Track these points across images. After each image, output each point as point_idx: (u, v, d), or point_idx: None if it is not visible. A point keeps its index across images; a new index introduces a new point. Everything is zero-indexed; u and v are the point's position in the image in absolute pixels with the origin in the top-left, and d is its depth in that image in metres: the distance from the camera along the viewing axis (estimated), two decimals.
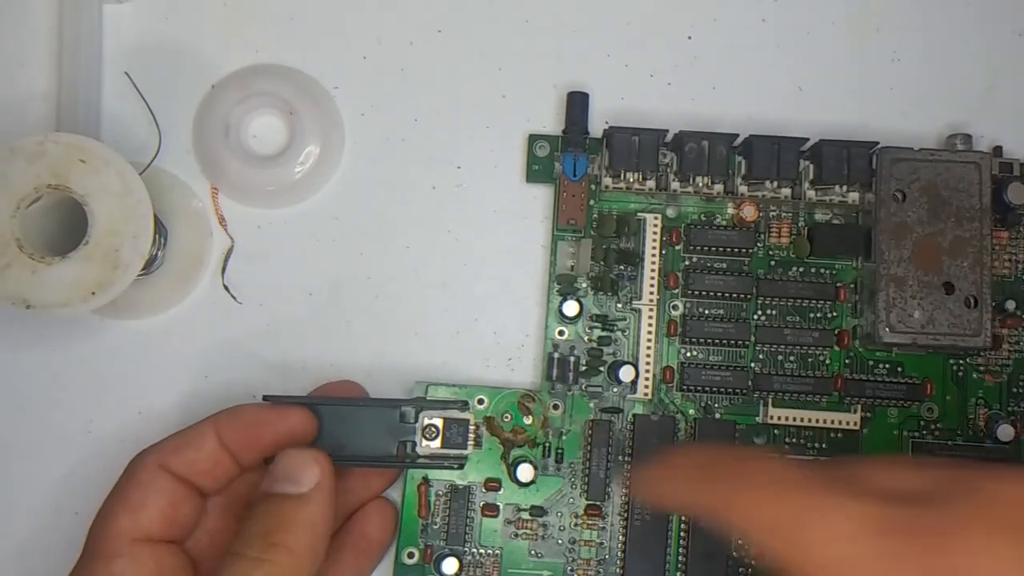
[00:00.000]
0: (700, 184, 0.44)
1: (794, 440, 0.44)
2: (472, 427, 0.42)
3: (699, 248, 0.44)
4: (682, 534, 0.43)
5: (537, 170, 0.45)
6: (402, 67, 0.47)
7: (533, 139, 0.45)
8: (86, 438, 0.45)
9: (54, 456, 0.44)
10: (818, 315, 0.44)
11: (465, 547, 0.43)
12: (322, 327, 0.45)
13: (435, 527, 0.43)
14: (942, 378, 0.44)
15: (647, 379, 0.43)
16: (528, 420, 0.43)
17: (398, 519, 0.43)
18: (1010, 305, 0.44)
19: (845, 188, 0.44)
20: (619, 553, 0.43)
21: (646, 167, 0.44)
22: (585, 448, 0.43)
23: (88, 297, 0.40)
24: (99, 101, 0.46)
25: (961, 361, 0.44)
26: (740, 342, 0.44)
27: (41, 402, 0.45)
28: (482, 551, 0.43)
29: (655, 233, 0.44)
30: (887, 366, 0.44)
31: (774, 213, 0.45)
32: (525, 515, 0.43)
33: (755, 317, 0.44)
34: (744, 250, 0.44)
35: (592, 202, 0.45)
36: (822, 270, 0.44)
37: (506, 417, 0.43)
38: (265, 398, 0.40)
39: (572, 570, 0.43)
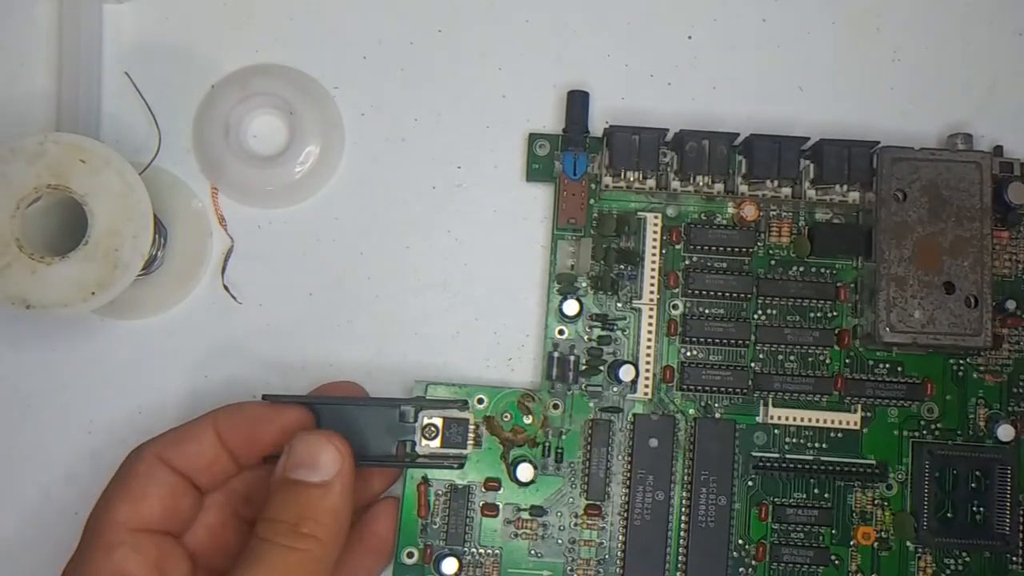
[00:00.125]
0: (700, 183, 0.44)
1: (794, 440, 0.43)
2: (472, 426, 0.42)
3: (699, 247, 0.44)
4: (682, 534, 0.43)
5: (537, 169, 0.45)
6: (402, 67, 0.47)
7: (533, 138, 0.45)
8: (86, 438, 0.45)
9: (54, 456, 0.44)
10: (818, 315, 0.44)
11: (465, 547, 0.43)
12: (322, 327, 0.45)
13: (435, 527, 0.43)
14: (942, 378, 0.44)
15: (647, 379, 0.43)
16: (528, 419, 0.43)
17: None
18: (1010, 305, 0.44)
19: (846, 187, 0.44)
20: (619, 553, 0.43)
21: (647, 166, 0.44)
22: (585, 448, 0.43)
23: (88, 297, 0.40)
24: (99, 101, 0.46)
25: (961, 361, 0.44)
26: (740, 342, 0.44)
27: (41, 402, 0.45)
28: (482, 551, 0.43)
29: (655, 232, 0.44)
30: (887, 366, 0.44)
31: (774, 212, 0.45)
32: (525, 515, 0.43)
33: (755, 317, 0.44)
34: (744, 249, 0.44)
35: (592, 201, 0.45)
36: (822, 270, 0.44)
37: (506, 416, 0.43)
38: (264, 397, 0.40)
39: (572, 570, 0.43)
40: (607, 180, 0.44)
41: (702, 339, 0.44)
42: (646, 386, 0.43)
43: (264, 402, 0.40)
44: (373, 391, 0.44)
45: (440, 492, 0.43)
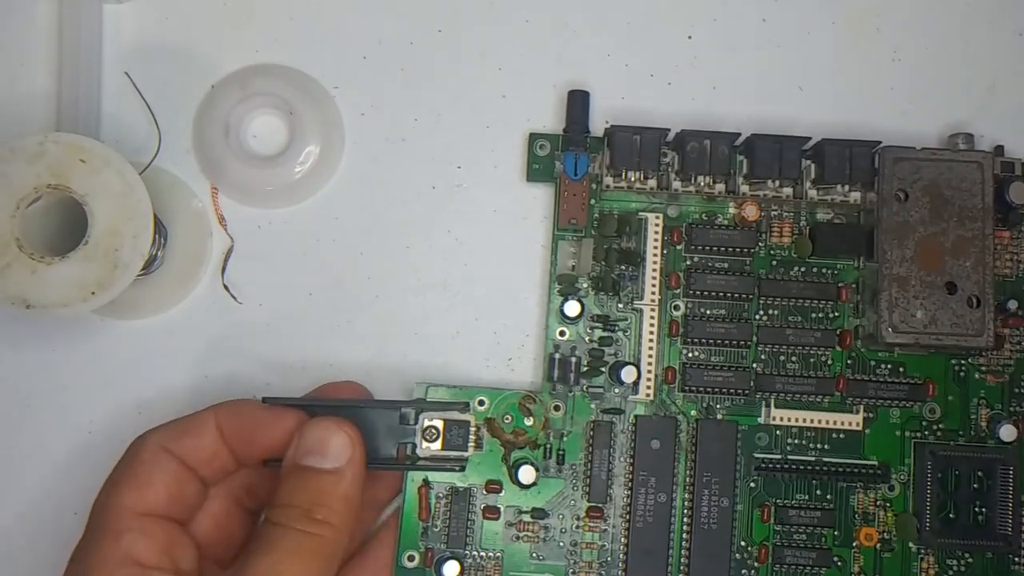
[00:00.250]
0: (702, 183, 0.44)
1: (796, 441, 0.43)
2: (473, 429, 0.42)
3: (701, 248, 0.44)
4: (684, 536, 0.42)
5: (538, 169, 0.45)
6: (402, 67, 0.47)
7: (534, 138, 0.45)
8: (86, 437, 0.44)
9: (54, 455, 0.44)
10: (820, 315, 0.44)
11: (466, 550, 0.42)
12: (322, 327, 0.45)
13: (435, 530, 0.42)
14: (944, 378, 0.44)
15: (649, 380, 0.43)
16: (529, 421, 0.43)
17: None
18: (1012, 305, 0.44)
19: (847, 187, 0.44)
20: (621, 555, 0.42)
21: (648, 166, 0.44)
22: (586, 450, 0.43)
23: (88, 297, 0.40)
24: (99, 101, 0.45)
25: (963, 361, 0.44)
26: (742, 342, 0.44)
27: (41, 402, 0.45)
28: (483, 554, 0.42)
29: (656, 233, 0.44)
30: (889, 366, 0.44)
31: (776, 213, 0.45)
32: (526, 517, 0.43)
33: (757, 317, 0.44)
34: (746, 250, 0.44)
35: (593, 201, 0.44)
36: (824, 270, 0.44)
37: (507, 418, 0.43)
38: (264, 400, 0.40)
39: (574, 573, 0.42)
40: (608, 180, 0.44)
41: (704, 340, 0.44)
42: (648, 387, 0.43)
43: (264, 404, 0.40)
44: (373, 391, 0.44)
45: (441, 495, 0.43)
